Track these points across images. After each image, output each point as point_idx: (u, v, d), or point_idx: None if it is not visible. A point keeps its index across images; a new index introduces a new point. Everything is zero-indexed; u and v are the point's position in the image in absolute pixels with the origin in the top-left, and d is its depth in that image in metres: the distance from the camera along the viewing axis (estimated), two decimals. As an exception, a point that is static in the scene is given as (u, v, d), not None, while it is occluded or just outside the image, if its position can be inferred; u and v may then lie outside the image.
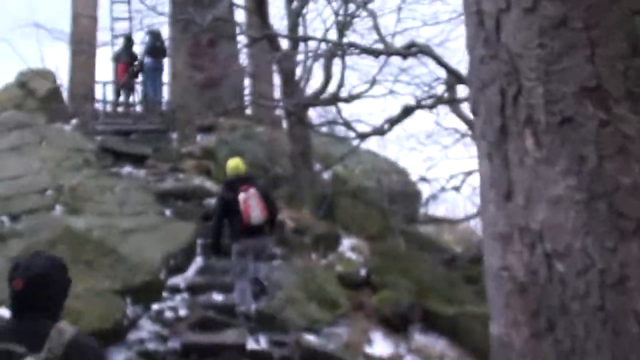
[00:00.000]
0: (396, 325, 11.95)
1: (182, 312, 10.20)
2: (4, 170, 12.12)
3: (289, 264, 12.30)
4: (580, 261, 1.46)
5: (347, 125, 14.53)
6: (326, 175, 16.83)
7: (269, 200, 9.90)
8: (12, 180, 11.81)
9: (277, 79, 18.22)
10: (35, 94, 15.85)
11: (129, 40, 18.73)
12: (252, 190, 9.65)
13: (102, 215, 11.51)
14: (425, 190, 19.21)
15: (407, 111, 10.27)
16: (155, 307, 9.92)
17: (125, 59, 18.16)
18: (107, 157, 14.69)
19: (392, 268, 13.80)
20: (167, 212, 12.63)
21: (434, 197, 16.76)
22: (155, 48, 17.69)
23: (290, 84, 14.98)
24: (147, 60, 17.85)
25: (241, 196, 9.52)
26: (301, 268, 12.15)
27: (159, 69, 18.22)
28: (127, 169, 14.36)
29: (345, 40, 13.08)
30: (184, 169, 14.95)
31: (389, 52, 9.89)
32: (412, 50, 9.79)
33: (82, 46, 17.17)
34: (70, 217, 10.89)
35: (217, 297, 10.75)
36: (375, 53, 11.59)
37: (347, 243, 14.22)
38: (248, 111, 19.13)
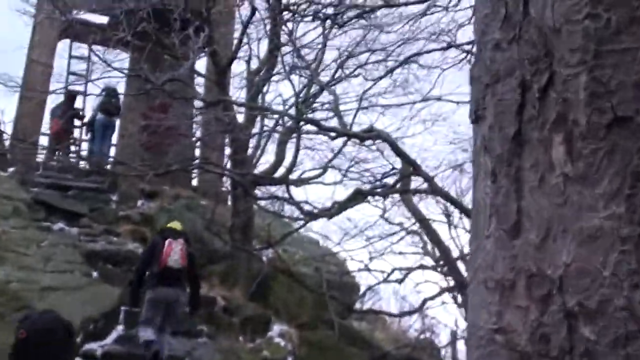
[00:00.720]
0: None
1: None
2: None
3: (215, 343, 11.74)
4: (620, 326, 0.95)
5: (295, 204, 14.19)
6: (264, 257, 16.36)
7: (192, 259, 9.82)
8: None
9: (227, 150, 17.98)
10: (-29, 135, 15.24)
11: (70, 96, 18.28)
12: (181, 240, 9.67)
13: (23, 269, 10.88)
14: (364, 282, 18.87)
15: (357, 195, 9.99)
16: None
17: (59, 114, 17.69)
18: (40, 210, 14.07)
19: (319, 359, 13.31)
20: (94, 274, 12.02)
21: (371, 289, 16.37)
22: (110, 105, 17.28)
23: (241, 156, 14.65)
24: (100, 116, 17.39)
25: (167, 241, 9.51)
26: (226, 349, 11.59)
27: (110, 127, 17.72)
28: (59, 225, 13.71)
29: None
30: (119, 232, 14.36)
31: (347, 133, 9.65)
32: (370, 134, 9.57)
33: (33, 93, 16.62)
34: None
35: (136, 370, 10.11)
36: (333, 132, 11.37)
37: (277, 328, 13.69)
38: (194, 183, 18.69)
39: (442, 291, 16.51)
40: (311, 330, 14.56)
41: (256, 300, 14.30)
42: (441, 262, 17.39)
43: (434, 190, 10.99)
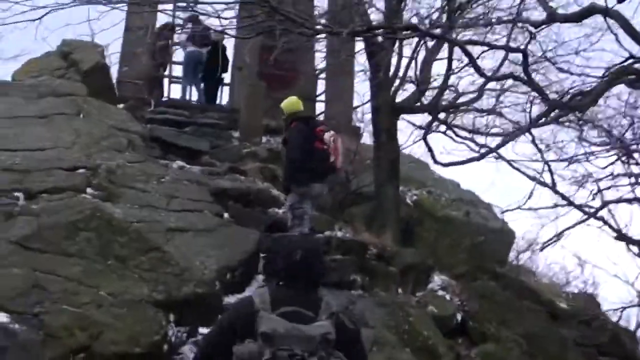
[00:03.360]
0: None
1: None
2: (24, 139, 9.60)
3: (373, 296, 9.58)
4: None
5: (472, 132, 11.78)
6: (408, 200, 14.09)
7: None
8: (33, 152, 9.28)
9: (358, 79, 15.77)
10: (78, 66, 13.35)
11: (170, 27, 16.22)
12: (334, 133, 9.10)
13: (144, 207, 8.94)
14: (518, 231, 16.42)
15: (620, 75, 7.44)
16: (204, 330, 7.24)
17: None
18: (155, 148, 12.17)
19: (492, 316, 11.00)
20: (225, 214, 10.01)
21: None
22: (199, 36, 15.29)
23: (386, 80, 12.34)
24: (190, 49, 15.46)
25: (327, 134, 8.91)
26: (388, 303, 9.41)
27: (201, 60, 15.83)
28: (178, 163, 11.76)
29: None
30: (246, 170, 12.33)
31: (554, 16, 7.12)
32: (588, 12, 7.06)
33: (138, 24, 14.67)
34: (103, 203, 8.28)
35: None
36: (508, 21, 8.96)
37: (437, 279, 11.46)
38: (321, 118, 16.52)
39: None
40: (472, 282, 12.27)
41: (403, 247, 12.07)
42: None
43: None
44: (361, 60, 15.02)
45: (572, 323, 12.57)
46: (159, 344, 6.19)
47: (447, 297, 11.02)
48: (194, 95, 16.12)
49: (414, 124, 13.79)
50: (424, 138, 12.62)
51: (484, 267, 13.40)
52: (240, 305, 4.00)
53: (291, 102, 9.36)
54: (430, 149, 12.65)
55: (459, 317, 10.53)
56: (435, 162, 12.76)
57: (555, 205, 13.39)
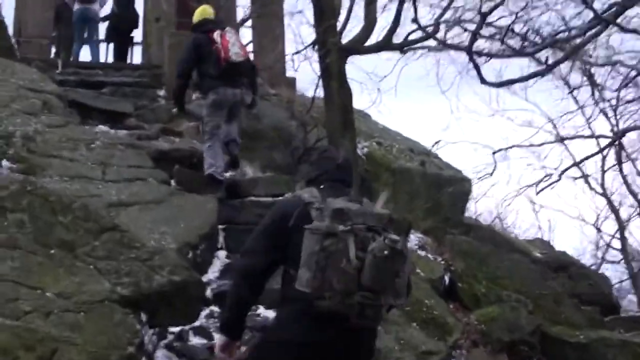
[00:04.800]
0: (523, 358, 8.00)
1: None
2: None
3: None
4: None
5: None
6: (359, 153, 12.65)
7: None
8: None
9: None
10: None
11: None
12: (230, 29, 8.71)
13: (76, 179, 7.21)
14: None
15: None
16: (175, 330, 5.63)
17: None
18: (72, 113, 10.28)
19: (481, 275, 9.77)
20: (172, 182, 8.36)
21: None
22: None
23: (331, 22, 10.79)
24: (77, 7, 13.85)
25: (215, 33, 8.30)
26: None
27: (90, 19, 14.19)
28: (102, 128, 9.94)
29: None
30: (181, 131, 10.64)
31: None
32: None
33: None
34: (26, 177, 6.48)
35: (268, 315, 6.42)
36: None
37: (412, 238, 10.12)
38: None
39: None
40: (445, 236, 11.01)
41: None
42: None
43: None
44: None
45: (551, 273, 11.56)
46: (134, 358, 4.55)
47: (430, 256, 9.72)
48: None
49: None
50: (470, 50, 10.41)
51: (451, 220, 12.21)
52: (285, 202, 4.15)
53: (197, 13, 8.79)
54: (476, 66, 10.68)
55: (446, 278, 9.25)
56: (484, 81, 10.91)
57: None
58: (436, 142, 15.01)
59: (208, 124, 8.37)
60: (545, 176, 16.56)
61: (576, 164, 16.23)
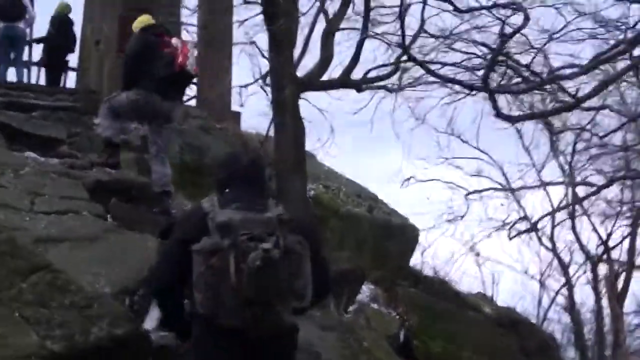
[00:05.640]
0: None
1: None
2: None
3: (310, 317, 7.37)
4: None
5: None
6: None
7: None
8: None
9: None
10: None
11: None
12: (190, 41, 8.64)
13: (1, 208, 6.30)
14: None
15: None
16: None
17: None
18: (-2, 138, 9.37)
19: (435, 331, 9.14)
20: (108, 217, 7.49)
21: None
22: (8, 6, 12.94)
23: (287, 51, 10.19)
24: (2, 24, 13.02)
25: (174, 39, 7.80)
26: (335, 325, 7.27)
27: (16, 38, 13.37)
28: (31, 155, 9.02)
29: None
30: (117, 162, 9.74)
31: None
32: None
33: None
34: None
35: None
36: None
37: (364, 289, 9.46)
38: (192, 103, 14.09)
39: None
40: (394, 288, 10.39)
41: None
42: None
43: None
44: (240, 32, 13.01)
45: (501, 330, 11.04)
46: None
47: (383, 310, 9.05)
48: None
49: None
50: (485, 83, 9.74)
51: (401, 270, 11.62)
52: (187, 214, 4.29)
53: (141, 19, 8.07)
54: (493, 99, 10.04)
55: (401, 335, 8.59)
56: (500, 115, 10.27)
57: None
58: (407, 179, 14.74)
59: (114, 105, 7.93)
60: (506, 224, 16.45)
61: (534, 224, 16.08)
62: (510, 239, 17.34)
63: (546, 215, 16.36)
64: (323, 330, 6.99)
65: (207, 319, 3.47)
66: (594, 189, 15.02)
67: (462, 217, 16.68)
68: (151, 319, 6.57)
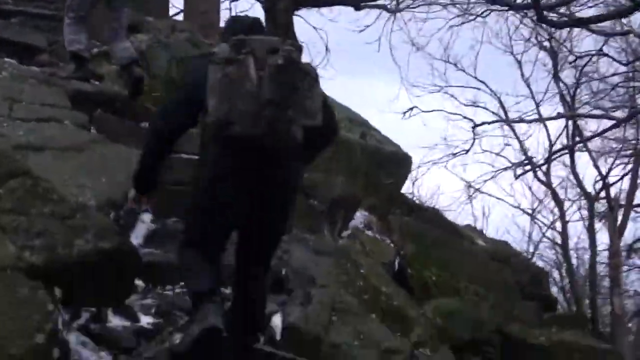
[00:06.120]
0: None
1: (146, 321, 4.82)
2: None
3: (304, 241, 6.98)
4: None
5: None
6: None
7: None
8: None
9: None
10: None
11: None
12: None
13: (-26, 114, 5.81)
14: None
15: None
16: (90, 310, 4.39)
17: None
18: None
19: (430, 261, 8.78)
20: (92, 128, 7.00)
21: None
22: None
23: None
24: None
25: None
26: (330, 250, 6.90)
27: None
28: (9, 61, 8.45)
29: None
30: (101, 74, 9.20)
31: None
32: None
33: None
34: None
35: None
36: None
37: (358, 215, 9.09)
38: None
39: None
40: (388, 216, 10.00)
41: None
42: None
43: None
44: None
45: (495, 264, 10.74)
46: (44, 349, 3.29)
47: (378, 237, 8.69)
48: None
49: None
50: None
51: (394, 198, 11.21)
52: (196, 66, 4.03)
53: None
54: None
55: (397, 264, 8.26)
56: (542, 20, 9.66)
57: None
58: (410, 109, 14.24)
59: (73, 6, 7.59)
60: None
61: (548, 158, 15.42)
62: (516, 178, 16.90)
63: (562, 149, 15.62)
64: (317, 255, 6.62)
65: (219, 127, 3.53)
66: (613, 122, 14.26)
67: (468, 151, 16.13)
68: (137, 236, 6.23)
